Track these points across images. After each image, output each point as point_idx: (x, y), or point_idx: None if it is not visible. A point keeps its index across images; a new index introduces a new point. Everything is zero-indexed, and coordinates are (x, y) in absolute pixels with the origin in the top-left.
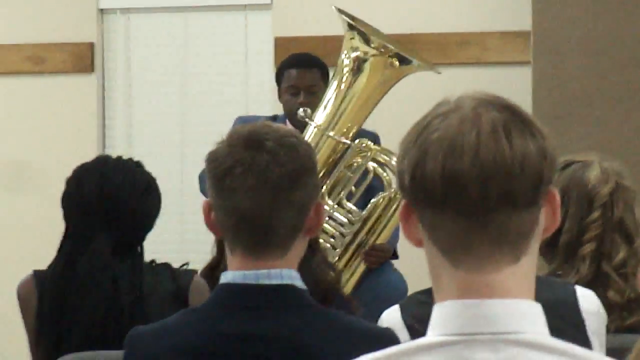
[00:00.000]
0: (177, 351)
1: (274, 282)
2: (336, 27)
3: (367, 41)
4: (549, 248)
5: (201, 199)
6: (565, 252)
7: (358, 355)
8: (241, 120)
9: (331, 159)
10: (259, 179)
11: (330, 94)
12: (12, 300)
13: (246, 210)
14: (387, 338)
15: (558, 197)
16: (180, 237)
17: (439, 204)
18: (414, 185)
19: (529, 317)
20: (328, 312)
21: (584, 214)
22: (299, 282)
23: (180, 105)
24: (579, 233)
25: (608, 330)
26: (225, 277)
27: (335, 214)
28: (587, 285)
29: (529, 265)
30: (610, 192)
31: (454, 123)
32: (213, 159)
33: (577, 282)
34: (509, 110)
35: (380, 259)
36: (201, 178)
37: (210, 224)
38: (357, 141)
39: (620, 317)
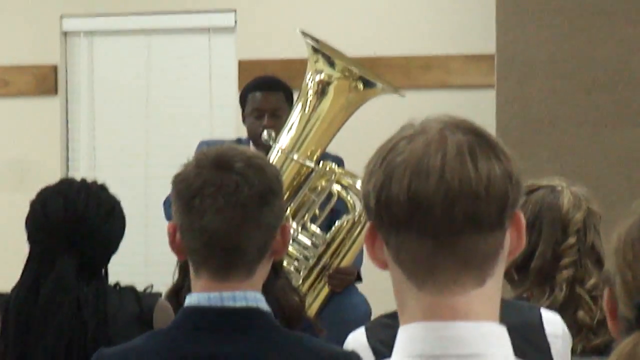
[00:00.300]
0: None
1: (239, 304)
2: (300, 50)
3: (331, 64)
4: (517, 272)
5: (165, 222)
6: (537, 276)
7: None
8: (204, 144)
9: (295, 182)
10: (228, 199)
11: (295, 117)
12: None
13: (216, 230)
14: None
15: (523, 220)
16: (144, 259)
17: (404, 226)
18: (380, 207)
19: (494, 339)
20: (293, 334)
21: (558, 239)
22: (263, 305)
23: (144, 128)
24: (554, 258)
25: (574, 352)
26: (190, 300)
27: (300, 236)
28: (560, 307)
29: (494, 287)
30: (583, 217)
31: (420, 146)
32: (180, 180)
33: (550, 306)
34: (474, 133)
35: (344, 282)
36: (166, 204)
37: (175, 247)
38: (321, 164)
39: (586, 338)
